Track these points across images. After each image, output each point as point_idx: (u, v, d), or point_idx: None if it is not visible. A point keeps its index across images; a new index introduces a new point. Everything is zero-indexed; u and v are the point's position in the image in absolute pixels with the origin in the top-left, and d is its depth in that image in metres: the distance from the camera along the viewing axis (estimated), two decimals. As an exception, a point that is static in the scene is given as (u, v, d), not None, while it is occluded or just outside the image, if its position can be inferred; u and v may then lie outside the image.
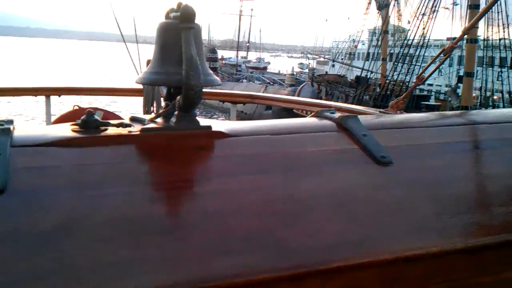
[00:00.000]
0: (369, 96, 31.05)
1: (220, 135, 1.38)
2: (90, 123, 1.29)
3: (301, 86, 37.95)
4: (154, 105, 3.38)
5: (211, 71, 1.50)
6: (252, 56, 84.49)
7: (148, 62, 3.39)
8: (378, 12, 38.31)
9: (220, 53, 72.47)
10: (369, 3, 42.59)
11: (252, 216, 1.09)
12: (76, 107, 4.39)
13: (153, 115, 1.47)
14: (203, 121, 1.41)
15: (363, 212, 1.17)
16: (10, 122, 1.28)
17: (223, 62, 68.34)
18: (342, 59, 48.90)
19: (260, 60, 76.99)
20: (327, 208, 1.16)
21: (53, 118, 4.41)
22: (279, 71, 66.96)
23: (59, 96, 4.31)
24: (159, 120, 1.42)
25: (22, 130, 1.30)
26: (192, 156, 1.33)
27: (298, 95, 34.65)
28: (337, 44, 53.71)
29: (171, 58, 1.40)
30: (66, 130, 1.28)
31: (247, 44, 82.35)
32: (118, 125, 1.33)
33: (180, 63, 1.33)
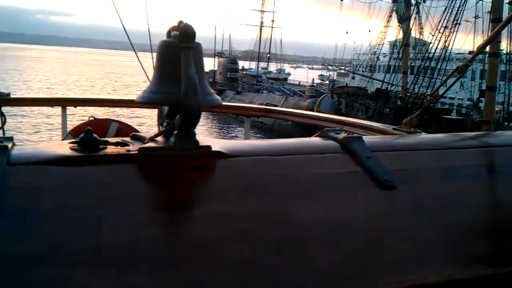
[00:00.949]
0: (389, 109, 30.81)
1: (219, 155, 1.36)
2: (88, 142, 1.29)
3: (321, 97, 37.84)
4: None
5: (211, 91, 1.50)
6: (273, 67, 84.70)
7: None
8: (399, 25, 38.10)
9: (241, 64, 72.80)
10: (390, 16, 42.43)
11: (243, 243, 1.06)
12: (91, 118, 4.41)
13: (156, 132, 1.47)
14: (203, 140, 1.40)
15: (361, 240, 1.13)
16: (9, 139, 1.29)
17: (244, 72, 68.66)
18: (362, 71, 48.74)
19: (280, 71, 77.14)
20: (323, 236, 1.13)
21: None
22: (299, 82, 67.01)
23: (75, 107, 4.36)
24: (159, 139, 1.41)
25: (21, 148, 1.31)
26: (189, 177, 1.30)
27: (318, 107, 34.63)
28: (358, 56, 53.56)
29: (170, 77, 1.39)
30: (65, 148, 1.27)
31: (268, 55, 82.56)
32: (116, 144, 1.34)
33: (179, 83, 1.33)
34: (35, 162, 1.19)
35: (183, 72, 1.32)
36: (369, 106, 33.84)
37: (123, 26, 3.67)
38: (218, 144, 1.43)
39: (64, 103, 4.27)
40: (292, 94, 46.80)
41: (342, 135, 1.54)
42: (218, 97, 1.52)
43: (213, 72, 60.66)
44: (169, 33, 1.46)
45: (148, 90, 1.45)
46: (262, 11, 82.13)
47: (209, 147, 1.36)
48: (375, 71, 47.37)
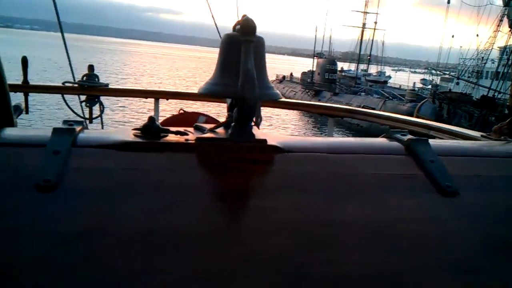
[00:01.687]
0: (495, 118, 29.20)
1: (274, 149, 1.37)
2: (150, 129, 1.34)
3: (422, 102, 36.57)
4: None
5: (271, 85, 1.50)
6: (373, 69, 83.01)
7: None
8: (510, 30, 35.91)
9: (341, 65, 72.10)
10: (501, 20, 40.09)
11: (284, 238, 1.06)
12: (181, 111, 4.48)
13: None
14: (260, 134, 1.42)
15: (405, 244, 1.10)
16: (80, 123, 1.37)
17: (343, 74, 67.89)
18: (468, 77, 46.49)
19: (380, 74, 75.33)
20: (369, 237, 1.11)
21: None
22: (400, 86, 65.04)
23: (167, 99, 4.47)
24: (218, 130, 1.45)
25: (89, 131, 1.39)
26: (241, 168, 1.32)
27: (418, 112, 33.56)
28: (464, 61, 51.13)
29: (231, 70, 1.40)
30: (128, 134, 1.34)
31: (369, 57, 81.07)
32: (177, 133, 1.37)
33: (239, 76, 1.34)
34: (98, 145, 1.27)
35: (242, 65, 1.33)
36: (473, 113, 32.27)
37: (215, 24, 3.95)
38: (275, 138, 1.44)
39: (157, 95, 4.40)
40: (391, 98, 45.66)
41: (408, 137, 1.50)
42: (277, 92, 1.54)
43: (311, 72, 60.63)
44: (234, 28, 1.49)
45: (209, 82, 1.48)
46: (365, 13, 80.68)
47: (264, 140, 1.38)
48: (481, 77, 44.98)
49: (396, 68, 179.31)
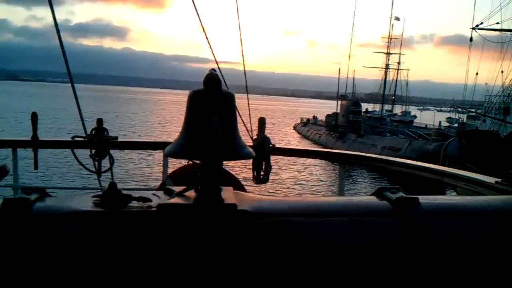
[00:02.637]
0: (524, 155, 28.62)
1: (243, 215, 1.27)
2: (111, 197, 1.28)
3: (448, 141, 36.17)
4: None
5: (242, 143, 1.41)
6: (398, 109, 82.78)
7: (260, 120, 3.55)
8: (535, 66, 35.64)
9: (365, 106, 72.14)
10: (526, 55, 39.86)
11: None
12: (190, 162, 4.33)
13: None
14: (231, 197, 1.32)
15: None
16: (39, 191, 1.34)
17: (367, 115, 67.87)
18: (495, 114, 45.93)
19: (405, 114, 75.12)
20: None
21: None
22: (426, 125, 64.68)
23: None
24: (187, 193, 1.36)
25: (48, 199, 1.34)
26: (203, 238, 1.23)
27: (445, 151, 33.19)
28: (489, 98, 50.65)
29: (196, 129, 1.32)
30: (87, 203, 1.28)
31: (393, 97, 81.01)
32: (139, 199, 1.30)
33: (209, 134, 1.27)
34: (55, 216, 1.23)
35: (205, 123, 1.27)
36: (501, 152, 31.74)
37: (219, 69, 3.95)
38: (249, 201, 1.36)
39: (164, 146, 4.33)
40: (417, 137, 45.28)
41: (399, 194, 1.41)
42: (250, 150, 1.42)
43: (336, 114, 60.73)
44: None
45: (175, 142, 1.40)
46: (388, 53, 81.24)
47: (233, 205, 1.28)
48: (508, 114, 44.41)
49: (421, 107, 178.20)
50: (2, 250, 1.10)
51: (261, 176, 3.60)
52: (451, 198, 1.58)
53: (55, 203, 1.34)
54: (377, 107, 77.66)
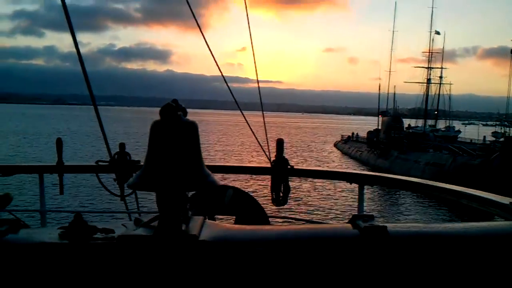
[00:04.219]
0: None
1: (204, 246, 1.27)
2: (75, 229, 1.29)
3: (494, 156, 35.31)
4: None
5: (206, 172, 1.37)
6: (442, 124, 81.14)
7: (278, 142, 3.57)
8: None
9: (407, 122, 71.06)
10: None
11: None
12: None
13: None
14: (196, 227, 1.33)
15: None
16: (14, 222, 1.37)
17: (410, 131, 66.82)
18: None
19: (449, 129, 73.51)
20: None
21: None
22: (471, 140, 63.09)
23: None
24: (155, 223, 1.35)
25: (22, 231, 1.37)
26: (160, 270, 1.23)
27: (491, 166, 32.41)
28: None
29: (157, 159, 1.32)
30: (52, 235, 1.30)
31: (435, 112, 79.53)
32: (103, 230, 1.31)
33: (164, 164, 1.27)
34: (24, 246, 1.27)
35: (162, 154, 1.28)
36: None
37: (228, 88, 3.99)
38: (215, 231, 1.35)
39: None
40: (461, 153, 44.31)
41: (369, 223, 1.39)
42: (213, 178, 1.38)
43: (377, 131, 60.11)
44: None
45: (137, 173, 1.37)
46: (429, 68, 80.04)
47: (194, 236, 1.27)
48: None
49: (466, 121, 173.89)
50: None
51: (280, 198, 3.55)
52: (427, 226, 1.52)
53: (26, 234, 1.37)
54: (419, 123, 76.32)
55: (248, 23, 4.07)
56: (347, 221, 1.48)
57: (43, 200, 3.88)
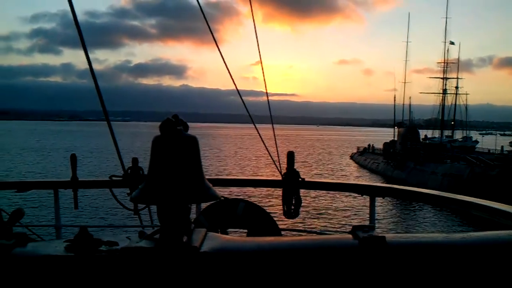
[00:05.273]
0: None
1: (206, 258, 1.29)
2: (81, 241, 1.33)
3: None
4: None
5: (207, 185, 1.40)
6: (459, 135, 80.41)
7: (288, 154, 3.54)
8: None
9: (424, 133, 70.61)
10: None
11: None
12: (222, 197, 4.21)
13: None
14: (198, 239, 1.34)
15: None
16: (21, 236, 1.41)
17: (427, 141, 66.33)
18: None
19: (466, 139, 72.81)
20: None
21: None
22: (489, 150, 62.38)
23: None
24: (157, 236, 1.37)
25: (29, 245, 1.41)
26: (163, 282, 1.26)
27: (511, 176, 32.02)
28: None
29: (158, 173, 1.34)
30: (58, 248, 1.34)
31: (452, 123, 78.84)
32: (107, 243, 1.34)
33: (165, 178, 1.29)
34: (31, 259, 1.31)
35: (163, 168, 1.31)
36: None
37: (243, 102, 4.00)
38: (216, 243, 1.36)
39: (212, 183, 4.22)
40: (479, 164, 43.82)
41: (369, 233, 1.40)
42: (214, 192, 1.41)
43: (393, 142, 59.76)
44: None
45: (141, 187, 1.40)
46: (444, 78, 79.54)
47: (195, 248, 1.29)
48: None
49: (483, 131, 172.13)
50: None
51: (291, 210, 3.56)
52: (426, 235, 1.50)
53: (32, 248, 1.40)
54: (436, 133, 75.73)
55: (257, 37, 4.16)
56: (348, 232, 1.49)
57: (58, 215, 3.96)
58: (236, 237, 1.52)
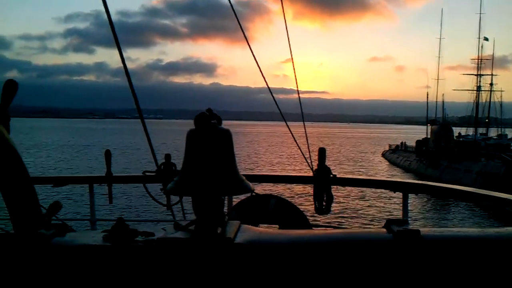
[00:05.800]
0: None
1: (238, 249, 1.30)
2: (118, 232, 1.37)
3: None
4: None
5: (241, 177, 1.41)
6: (493, 132, 78.50)
7: (320, 151, 3.53)
8: None
9: (457, 130, 69.21)
10: None
11: None
12: (253, 193, 4.26)
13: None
14: (232, 230, 1.35)
15: None
16: (61, 227, 1.47)
17: (460, 139, 65.02)
18: None
19: (501, 137, 70.99)
20: None
21: None
22: (525, 148, 60.72)
23: None
24: (192, 227, 1.40)
25: (68, 235, 1.46)
26: (197, 271, 1.27)
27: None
28: None
29: (192, 166, 1.37)
30: (97, 238, 1.39)
31: (486, 120, 77.02)
32: (143, 233, 1.38)
33: (200, 170, 1.32)
34: (69, 248, 1.36)
35: (198, 160, 1.33)
36: None
37: (274, 100, 4.00)
38: (250, 235, 1.38)
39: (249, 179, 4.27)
40: (515, 162, 42.63)
41: (403, 227, 1.40)
42: (248, 184, 1.43)
43: (426, 140, 58.76)
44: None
45: (175, 179, 1.42)
46: (478, 75, 77.74)
47: (229, 239, 1.32)
48: None
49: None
50: (17, 277, 1.28)
51: (323, 207, 3.54)
52: (461, 230, 1.48)
53: (71, 237, 1.45)
54: (470, 131, 74.10)
55: (288, 35, 4.11)
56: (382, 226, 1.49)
57: (93, 209, 4.07)
58: (269, 229, 1.54)
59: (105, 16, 2.73)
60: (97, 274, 1.30)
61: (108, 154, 3.92)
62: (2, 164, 1.49)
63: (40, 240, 1.35)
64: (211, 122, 1.37)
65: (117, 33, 2.86)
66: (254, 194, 3.91)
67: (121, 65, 3.07)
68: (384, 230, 1.42)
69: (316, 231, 1.80)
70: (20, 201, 1.52)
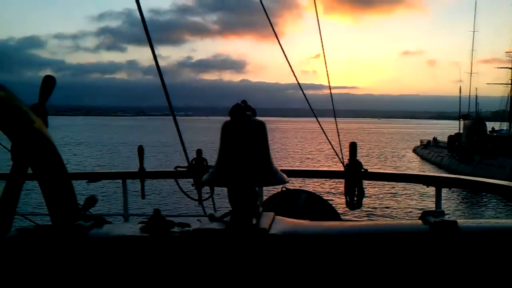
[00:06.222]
0: None
1: (274, 240, 1.31)
2: (155, 223, 1.40)
3: None
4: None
5: (275, 168, 1.42)
6: (529, 127, 76.34)
7: (351, 145, 3.52)
8: None
9: (491, 125, 67.68)
10: None
11: None
12: (283, 188, 4.10)
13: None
14: (266, 221, 1.38)
15: None
16: (98, 218, 1.52)
17: (494, 134, 63.58)
18: None
19: (538, 132, 69.01)
20: None
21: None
22: (562, 143, 58.92)
23: None
24: (227, 218, 1.41)
25: (105, 226, 1.50)
26: (233, 262, 1.29)
27: None
28: None
29: (227, 157, 1.38)
30: (134, 229, 1.43)
31: (522, 115, 74.91)
32: (179, 225, 1.41)
33: (235, 161, 1.33)
34: (106, 239, 1.39)
35: (233, 152, 1.34)
36: None
37: (304, 95, 4.02)
38: (284, 226, 1.39)
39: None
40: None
41: (439, 218, 1.38)
42: (282, 175, 1.44)
43: (458, 135, 57.68)
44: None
45: (211, 170, 1.44)
46: (513, 68, 75.62)
47: (264, 230, 1.33)
48: None
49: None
50: (57, 267, 1.33)
51: (354, 202, 3.51)
52: (499, 221, 1.46)
53: (109, 229, 1.49)
54: (504, 126, 72.28)
55: (319, 30, 4.13)
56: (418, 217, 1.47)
57: (126, 205, 4.12)
58: (303, 221, 1.54)
59: (137, 14, 2.77)
60: (134, 264, 1.34)
61: (140, 150, 3.95)
62: (41, 158, 1.53)
63: (79, 232, 1.39)
64: (246, 114, 1.38)
65: (149, 31, 2.90)
66: (284, 189, 3.92)
67: (152, 62, 3.11)
68: (420, 221, 1.42)
69: (349, 222, 1.81)
70: (58, 194, 1.56)
